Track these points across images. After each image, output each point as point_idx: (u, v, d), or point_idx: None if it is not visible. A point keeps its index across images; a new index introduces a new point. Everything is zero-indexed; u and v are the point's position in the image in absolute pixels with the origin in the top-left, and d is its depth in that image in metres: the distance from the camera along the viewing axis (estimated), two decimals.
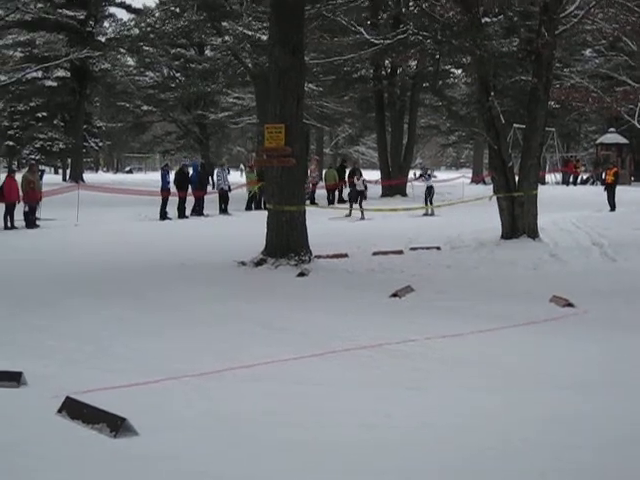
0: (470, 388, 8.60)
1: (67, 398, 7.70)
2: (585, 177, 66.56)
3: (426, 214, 33.25)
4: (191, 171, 35.64)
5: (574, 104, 46.45)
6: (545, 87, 22.92)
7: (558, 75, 46.46)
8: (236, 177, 56.24)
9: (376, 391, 8.45)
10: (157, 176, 38.31)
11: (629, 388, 8.72)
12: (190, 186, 34.38)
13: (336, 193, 42.75)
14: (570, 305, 13.66)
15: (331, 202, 40.59)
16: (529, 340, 11.17)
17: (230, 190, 36.88)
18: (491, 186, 26.40)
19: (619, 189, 36.97)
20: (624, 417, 7.69)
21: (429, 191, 35.55)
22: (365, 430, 7.19)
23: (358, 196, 33.35)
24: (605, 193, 36.42)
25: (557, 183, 62.69)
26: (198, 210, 34.37)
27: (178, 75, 63.51)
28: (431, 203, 34.42)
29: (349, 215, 31.52)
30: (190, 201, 34.15)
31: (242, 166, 69.96)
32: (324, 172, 44.49)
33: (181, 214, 33.04)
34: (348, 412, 7.71)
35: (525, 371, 9.38)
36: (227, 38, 48.17)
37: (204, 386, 8.59)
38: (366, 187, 35.12)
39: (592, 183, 61.68)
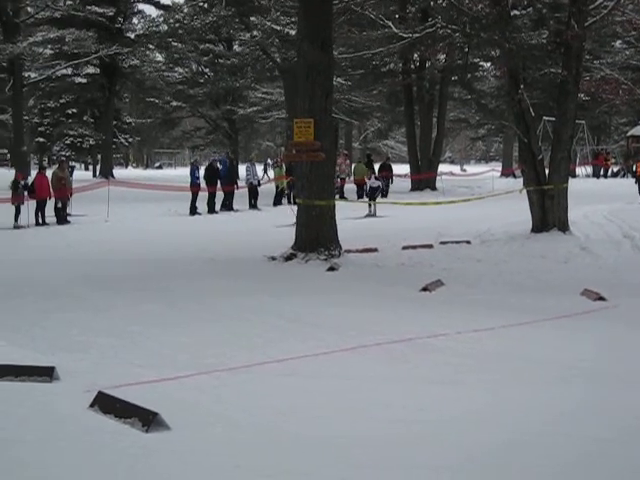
0: (502, 382, 8.57)
1: (99, 393, 7.74)
2: (616, 170, 66.15)
3: (369, 214, 31.29)
4: (220, 166, 35.70)
5: (604, 96, 46.02)
6: (575, 79, 22.76)
7: (588, 67, 46.16)
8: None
9: (407, 385, 8.44)
10: (186, 171, 38.36)
11: None
12: (219, 181, 34.44)
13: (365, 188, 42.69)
14: (601, 299, 13.58)
15: (360, 197, 40.53)
16: (560, 334, 11.11)
17: (260, 185, 36.90)
18: (521, 179, 26.28)
19: None
20: None
21: (373, 192, 33.59)
22: (396, 425, 7.18)
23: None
24: (636, 185, 36.21)
25: (587, 176, 62.34)
26: (228, 205, 34.42)
27: (207, 70, 63.61)
28: (373, 200, 32.57)
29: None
30: (220, 196, 34.22)
31: (269, 161, 69.65)
32: (353, 167, 44.39)
33: (211, 209, 33.11)
34: (379, 406, 7.70)
35: (557, 365, 9.32)
36: (255, 33, 48.16)
37: (235, 381, 8.60)
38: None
39: (623, 176, 61.32)
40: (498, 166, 73.91)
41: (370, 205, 31.45)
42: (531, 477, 6.06)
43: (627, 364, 9.41)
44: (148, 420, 7.07)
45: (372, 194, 33.36)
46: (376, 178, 34.62)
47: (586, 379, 8.71)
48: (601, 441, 6.75)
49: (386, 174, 43.58)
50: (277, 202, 37.54)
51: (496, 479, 6.02)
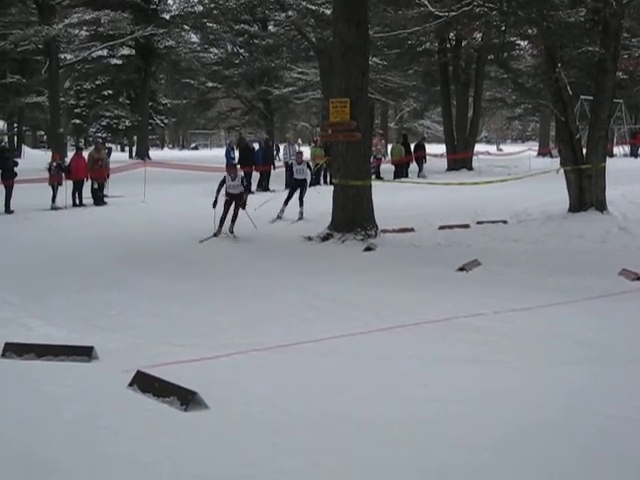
0: (538, 362, 8.54)
1: (138, 372, 7.80)
2: None
3: (279, 218, 22.83)
4: (257, 146, 35.69)
5: None
6: (613, 57, 22.53)
7: (626, 45, 45.72)
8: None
9: (444, 365, 8.44)
10: (222, 152, 38.39)
11: None
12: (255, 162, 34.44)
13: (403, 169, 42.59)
14: None
15: (397, 177, 40.38)
16: (599, 314, 11.06)
17: None
18: (557, 159, 26.07)
19: None
20: None
21: (299, 186, 23.67)
22: (434, 405, 7.19)
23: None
24: None
25: (625, 155, 61.76)
26: (264, 185, 34.43)
27: (242, 51, 63.52)
28: (300, 204, 23.07)
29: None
30: (256, 177, 34.24)
31: (299, 141, 69.08)
32: (390, 147, 44.23)
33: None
34: (416, 386, 7.71)
35: (596, 345, 9.29)
36: (290, 13, 48.02)
37: (271, 360, 8.64)
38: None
39: None
40: (535, 145, 73.33)
41: (284, 205, 23.20)
42: (565, 456, 6.05)
43: None
44: (187, 399, 7.11)
45: (300, 189, 23.37)
46: (308, 165, 24.84)
47: (627, 359, 8.66)
48: (635, 421, 6.73)
49: (420, 154, 43.46)
50: (315, 182, 37.51)
51: (532, 458, 6.00)
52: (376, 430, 6.56)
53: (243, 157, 34.29)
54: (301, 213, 22.78)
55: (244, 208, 19.97)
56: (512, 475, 5.74)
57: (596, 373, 8.14)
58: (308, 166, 24.59)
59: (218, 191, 19.67)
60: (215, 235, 19.02)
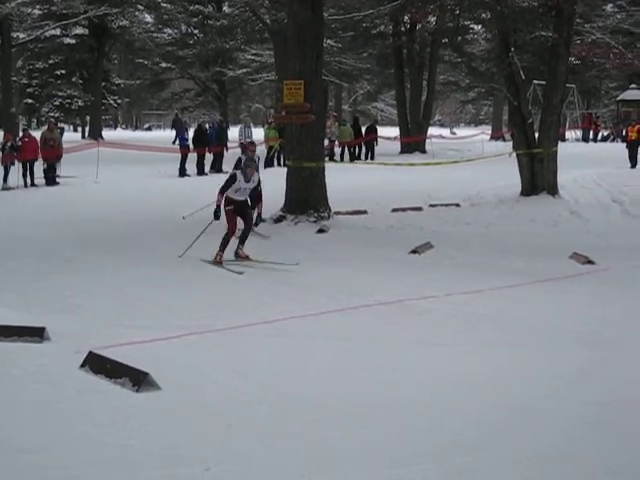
0: (492, 344, 8.63)
1: (90, 353, 7.77)
2: (606, 134, 66.15)
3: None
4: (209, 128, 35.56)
5: (595, 60, 46.08)
6: (566, 43, 22.69)
7: (579, 31, 45.93)
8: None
9: (396, 347, 8.49)
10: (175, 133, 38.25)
11: None
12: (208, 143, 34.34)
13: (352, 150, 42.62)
14: (590, 262, 13.67)
15: (342, 159, 40.33)
16: (549, 297, 11.19)
17: None
18: (510, 143, 26.25)
19: None
20: None
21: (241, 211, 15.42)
22: (385, 386, 7.24)
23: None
24: (627, 150, 36.17)
25: (577, 140, 62.23)
26: (217, 167, 34.33)
27: (196, 32, 63.10)
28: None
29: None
30: (209, 158, 34.12)
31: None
32: (339, 129, 44.25)
33: (200, 171, 33.00)
34: (368, 368, 7.76)
35: (545, 327, 9.40)
36: None
37: (224, 342, 8.64)
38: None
39: (612, 140, 61.29)
40: (488, 129, 73.56)
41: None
42: (529, 442, 6.13)
43: (616, 327, 9.48)
44: (139, 380, 7.11)
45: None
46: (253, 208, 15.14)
47: (575, 342, 8.77)
48: (594, 404, 6.82)
49: (371, 136, 43.51)
50: (268, 164, 37.43)
51: (499, 442, 6.07)
52: (329, 411, 6.60)
53: (196, 138, 34.13)
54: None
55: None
56: (468, 455, 5.80)
57: (546, 356, 8.23)
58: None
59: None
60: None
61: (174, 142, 39.84)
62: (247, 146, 17.85)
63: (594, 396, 6.99)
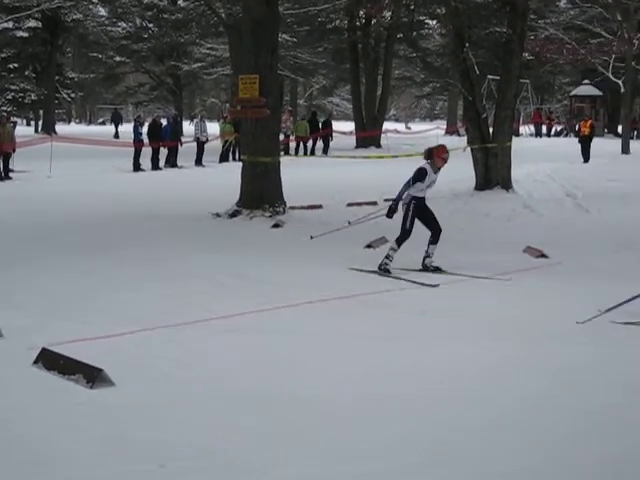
0: (446, 337, 8.66)
1: (43, 349, 7.70)
2: (559, 129, 66.75)
3: None
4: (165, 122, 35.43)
5: (548, 56, 46.47)
6: (520, 38, 22.86)
7: (533, 26, 46.32)
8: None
9: (350, 341, 8.50)
10: (130, 128, 37.99)
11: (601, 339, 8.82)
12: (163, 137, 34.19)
13: (308, 145, 42.63)
14: (544, 256, 13.78)
15: (297, 153, 40.37)
16: (503, 290, 11.26)
17: (207, 141, 36.68)
18: (465, 137, 26.39)
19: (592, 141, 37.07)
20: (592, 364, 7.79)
21: None
22: (340, 381, 7.24)
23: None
24: (579, 145, 36.53)
25: (531, 135, 62.72)
26: (172, 161, 34.21)
27: (151, 26, 62.70)
28: None
29: None
30: (164, 153, 33.99)
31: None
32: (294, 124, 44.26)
33: (155, 165, 32.86)
34: (324, 362, 7.76)
35: (499, 321, 9.45)
36: None
37: (179, 337, 8.61)
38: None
39: (566, 135, 61.86)
40: (443, 124, 73.99)
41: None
42: (465, 431, 6.16)
43: (566, 321, 9.54)
44: (92, 376, 7.06)
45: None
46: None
47: (527, 336, 8.82)
48: (530, 398, 6.89)
49: (327, 131, 43.60)
50: (223, 159, 37.34)
51: (443, 434, 6.10)
52: (283, 406, 6.60)
53: (151, 133, 33.97)
54: None
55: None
56: (417, 451, 5.82)
57: (499, 350, 8.28)
58: None
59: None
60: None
61: (116, 136, 39.56)
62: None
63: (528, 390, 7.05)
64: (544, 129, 64.23)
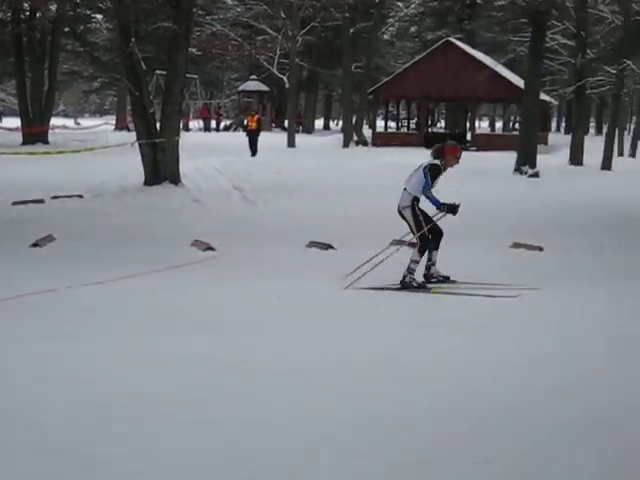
0: (116, 334, 8.62)
1: None
2: (228, 123, 68.00)
3: None
4: None
5: (215, 51, 47.14)
6: (185, 34, 23.09)
7: (200, 22, 46.81)
8: None
9: (12, 342, 8.29)
10: None
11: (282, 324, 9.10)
12: None
13: None
14: (211, 249, 14.06)
15: None
16: (169, 284, 11.36)
17: None
18: (134, 133, 26.37)
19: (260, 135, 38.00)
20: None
21: None
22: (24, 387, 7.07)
23: None
24: (247, 139, 37.36)
25: (200, 129, 63.50)
26: None
27: None
28: None
29: None
30: None
31: None
32: None
33: None
34: None
35: (166, 314, 9.52)
36: None
37: None
38: None
39: (234, 129, 63.08)
40: (112, 119, 73.44)
41: None
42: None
43: (234, 312, 9.76)
44: None
45: None
46: None
47: (193, 328, 8.94)
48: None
49: None
50: None
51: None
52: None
53: None
54: None
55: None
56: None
57: (176, 341, 8.30)
58: None
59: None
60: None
61: None
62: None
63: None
64: (213, 124, 65.27)
